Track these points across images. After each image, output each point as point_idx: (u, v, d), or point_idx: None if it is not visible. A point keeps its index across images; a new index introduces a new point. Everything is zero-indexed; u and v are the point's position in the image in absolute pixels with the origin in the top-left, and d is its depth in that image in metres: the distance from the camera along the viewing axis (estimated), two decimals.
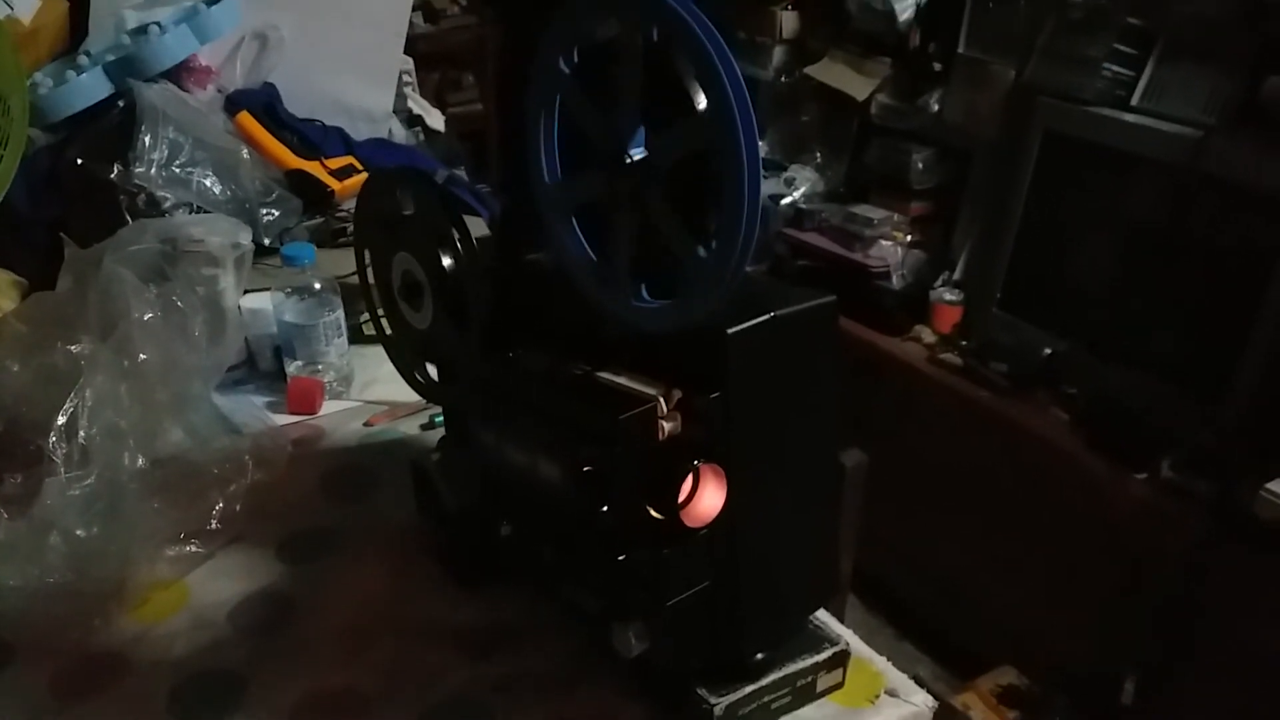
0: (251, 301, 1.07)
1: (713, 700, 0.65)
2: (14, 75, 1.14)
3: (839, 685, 0.70)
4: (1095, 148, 1.79)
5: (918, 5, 2.11)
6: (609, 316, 0.60)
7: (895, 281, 2.19)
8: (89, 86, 1.23)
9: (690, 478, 0.58)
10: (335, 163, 1.35)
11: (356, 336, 1.10)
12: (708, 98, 0.51)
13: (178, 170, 1.16)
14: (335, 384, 1.08)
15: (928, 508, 2.07)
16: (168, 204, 1.15)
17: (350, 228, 1.28)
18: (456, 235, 0.72)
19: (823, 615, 0.72)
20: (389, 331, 0.84)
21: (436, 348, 0.78)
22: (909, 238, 2.21)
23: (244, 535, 0.85)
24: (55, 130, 1.24)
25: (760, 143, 0.51)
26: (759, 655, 0.66)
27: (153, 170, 1.13)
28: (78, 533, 0.77)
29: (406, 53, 1.60)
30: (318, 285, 1.05)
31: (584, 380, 0.63)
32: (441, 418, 1.01)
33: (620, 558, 0.61)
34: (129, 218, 1.11)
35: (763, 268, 2.30)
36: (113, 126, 1.18)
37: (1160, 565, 1.61)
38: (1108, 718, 1.70)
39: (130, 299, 0.89)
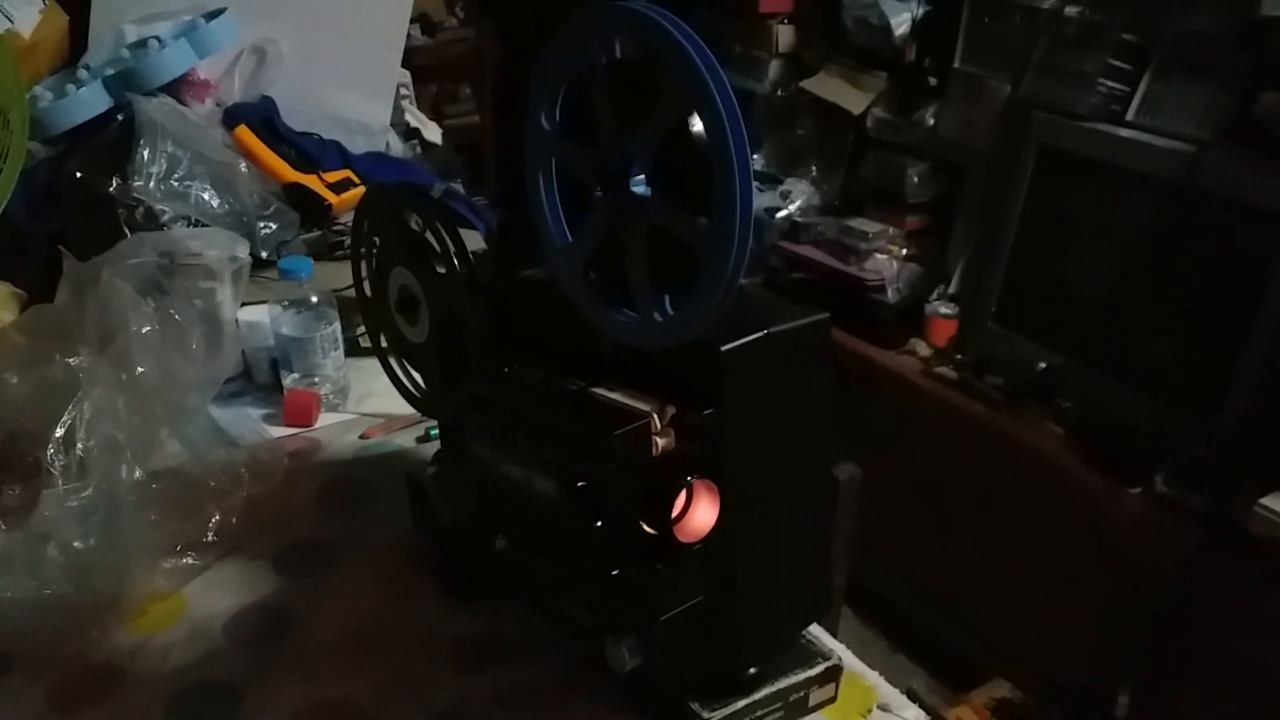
0: (249, 314, 1.08)
1: (705, 715, 0.65)
2: (14, 88, 1.14)
3: (831, 700, 0.71)
4: (1090, 163, 1.81)
5: (913, 20, 2.13)
6: (604, 333, 0.60)
7: (890, 295, 2.20)
8: (88, 100, 1.23)
9: (684, 493, 0.59)
10: (333, 176, 1.35)
11: (353, 349, 1.11)
12: (674, 75, 0.52)
13: (176, 184, 1.17)
14: (331, 396, 1.08)
15: (922, 521, 2.07)
16: (166, 217, 1.15)
17: (347, 241, 1.29)
18: (453, 250, 0.72)
19: (816, 629, 0.72)
20: (385, 345, 0.85)
21: (432, 362, 0.79)
22: (904, 251, 2.22)
23: (240, 547, 0.86)
24: (54, 143, 1.25)
25: (755, 155, 0.52)
26: (752, 670, 0.67)
27: (151, 184, 1.14)
28: (75, 544, 0.77)
29: (404, 65, 1.60)
30: (315, 298, 1.05)
31: (579, 395, 0.64)
32: (437, 431, 1.02)
33: (614, 572, 0.61)
34: (127, 231, 1.12)
35: (758, 280, 2.31)
36: (112, 140, 1.19)
37: (1154, 579, 1.62)
38: None
39: (128, 312, 0.89)
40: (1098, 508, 1.70)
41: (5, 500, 0.83)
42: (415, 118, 1.72)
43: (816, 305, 0.64)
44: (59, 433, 0.81)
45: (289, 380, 1.07)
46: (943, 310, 2.12)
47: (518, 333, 0.71)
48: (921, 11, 2.11)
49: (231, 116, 1.34)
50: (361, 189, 1.35)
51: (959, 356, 2.05)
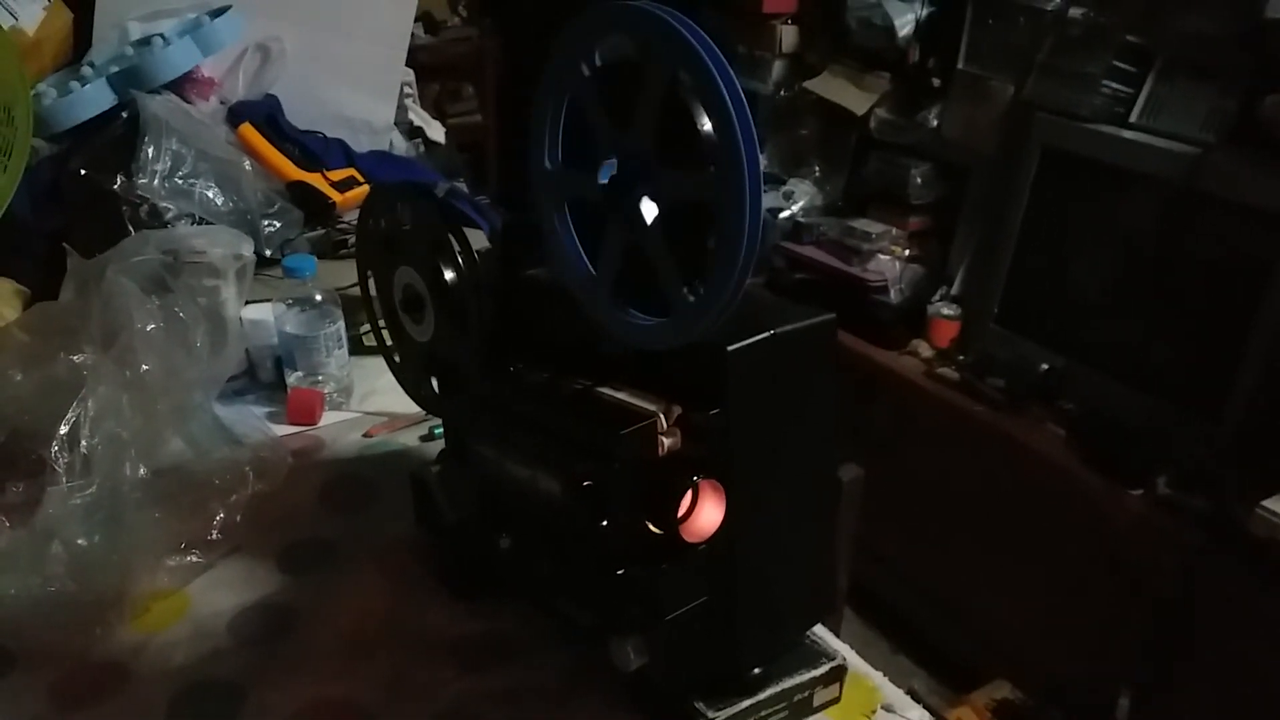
0: (252, 312, 1.08)
1: (710, 715, 0.65)
2: (18, 85, 1.14)
3: (835, 700, 0.71)
4: (1093, 164, 1.81)
5: (917, 21, 2.13)
6: (608, 333, 0.60)
7: (893, 296, 2.20)
8: (93, 97, 1.23)
9: (689, 493, 0.59)
10: (337, 175, 1.35)
11: (356, 348, 1.11)
12: (719, 172, 0.52)
13: (180, 181, 1.17)
14: (335, 395, 1.08)
15: (923, 522, 2.08)
16: (170, 215, 1.15)
17: (351, 240, 1.29)
18: (457, 249, 0.72)
19: (820, 630, 0.72)
20: (390, 344, 0.85)
21: (437, 361, 0.79)
22: (907, 252, 2.23)
23: (244, 545, 0.86)
24: (59, 140, 1.25)
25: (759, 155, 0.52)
26: (756, 670, 0.67)
27: (156, 181, 1.14)
28: (79, 542, 0.77)
29: (407, 64, 1.60)
30: (319, 297, 1.05)
31: (584, 395, 0.64)
32: (441, 430, 1.02)
33: (619, 572, 0.61)
34: (131, 228, 1.12)
35: (760, 281, 2.31)
36: (116, 137, 1.19)
37: (1155, 580, 1.62)
38: None
39: (133, 309, 0.89)
40: (1099, 509, 1.70)
41: (9, 498, 0.82)
42: (419, 116, 1.72)
43: (819, 306, 0.64)
44: (63, 430, 0.81)
45: (293, 378, 1.07)
46: (945, 311, 2.12)
47: (522, 332, 0.71)
48: (925, 12, 2.11)
49: (235, 114, 1.34)
50: (365, 188, 1.35)
51: (961, 358, 2.05)
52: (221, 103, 1.36)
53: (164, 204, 1.15)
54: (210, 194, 1.19)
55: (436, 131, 1.75)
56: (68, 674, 0.74)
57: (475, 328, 0.72)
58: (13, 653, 0.75)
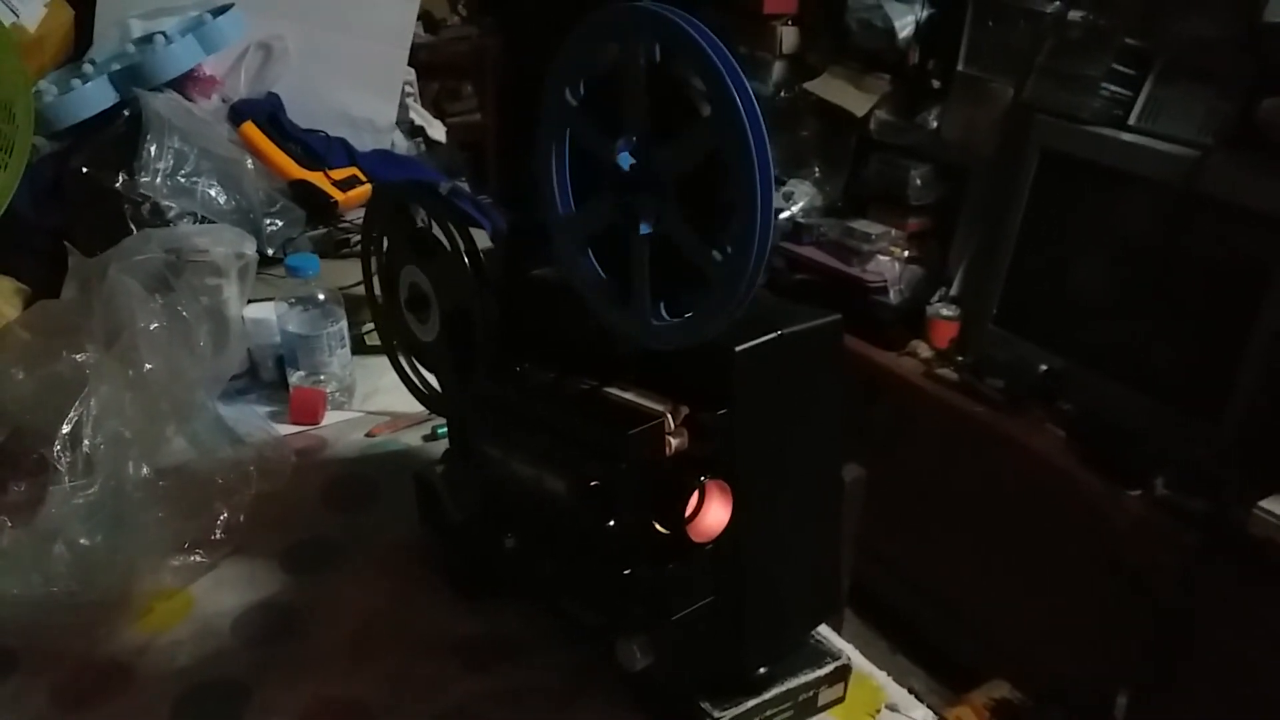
0: (254, 311, 1.08)
1: (715, 714, 0.65)
2: (19, 82, 1.14)
3: (840, 700, 0.71)
4: (1092, 166, 1.81)
5: (917, 22, 2.13)
6: (620, 334, 0.60)
7: (892, 296, 2.20)
8: (94, 95, 1.23)
9: (696, 493, 0.59)
10: (339, 174, 1.35)
11: (359, 347, 1.11)
12: (715, 111, 0.52)
13: (183, 180, 1.17)
14: (338, 394, 1.08)
15: (922, 521, 2.08)
16: (172, 213, 1.15)
17: (354, 239, 1.29)
18: (464, 248, 0.72)
19: (823, 629, 0.72)
20: (394, 343, 0.84)
21: (442, 360, 0.79)
22: (906, 253, 2.23)
23: (247, 545, 0.85)
24: (59, 138, 1.24)
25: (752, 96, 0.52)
26: (762, 669, 0.67)
27: (158, 180, 1.14)
28: (82, 542, 0.77)
29: (407, 63, 1.60)
30: (321, 296, 1.05)
31: (591, 395, 0.64)
32: (444, 429, 1.02)
33: (626, 572, 0.61)
34: (133, 227, 1.12)
35: (761, 282, 2.31)
36: (118, 135, 1.19)
37: (1154, 581, 1.62)
38: None
39: (136, 308, 0.89)
40: (1098, 509, 1.71)
41: (11, 497, 0.82)
42: (420, 115, 1.72)
43: (818, 306, 0.64)
44: (65, 429, 0.80)
45: (295, 378, 1.06)
46: (944, 312, 2.12)
47: (528, 332, 0.71)
48: (925, 14, 2.12)
49: (237, 113, 1.34)
50: (367, 187, 1.34)
51: (960, 358, 2.05)
52: (223, 101, 1.36)
53: (166, 202, 1.15)
54: (212, 192, 1.19)
55: (437, 131, 1.75)
56: (71, 675, 0.74)
57: (481, 327, 0.72)
58: (15, 653, 0.75)
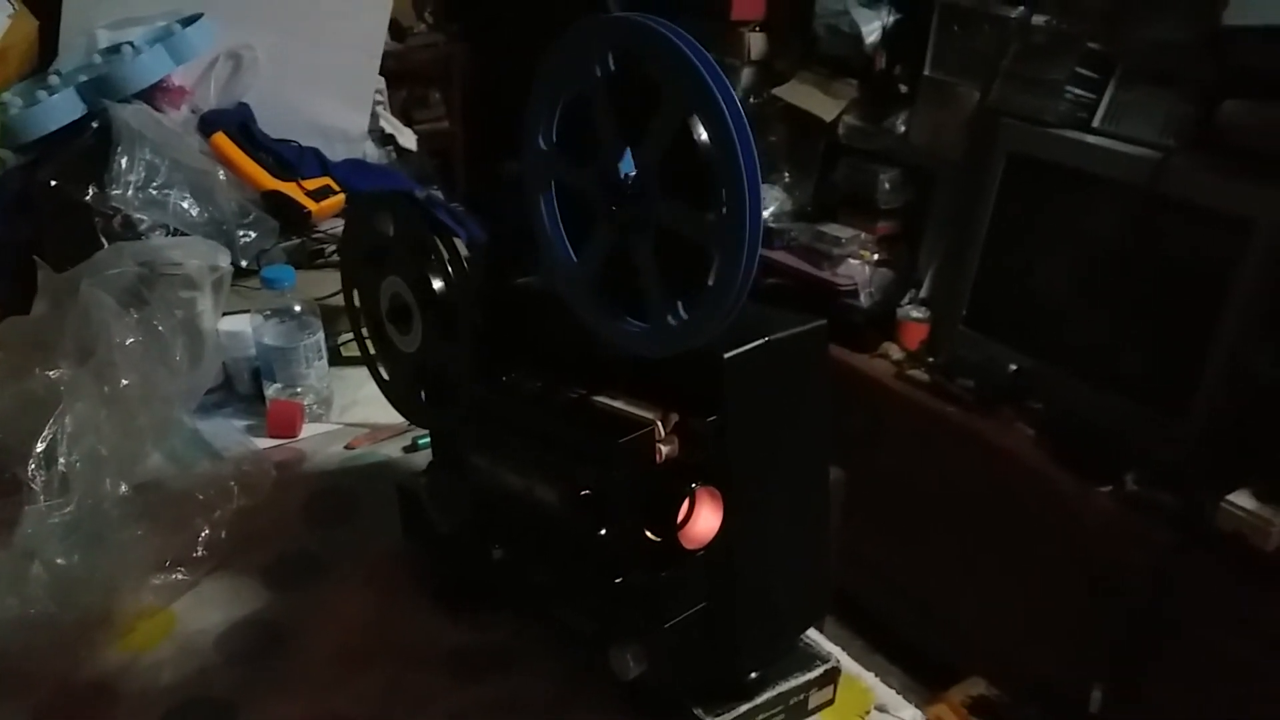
0: (229, 324, 1.06)
1: None
2: None
3: (830, 702, 0.71)
4: (1058, 168, 1.84)
5: (884, 28, 2.16)
6: (611, 343, 0.60)
7: (863, 299, 2.22)
8: (61, 107, 1.21)
9: (687, 500, 0.59)
10: (312, 184, 1.34)
11: (336, 359, 1.10)
12: (704, 125, 0.52)
13: (154, 192, 1.15)
14: (315, 407, 1.07)
15: (897, 521, 2.10)
16: (144, 226, 1.14)
17: (328, 249, 1.28)
18: (446, 257, 0.72)
19: (811, 633, 0.73)
20: (375, 355, 0.84)
21: (426, 371, 0.79)
22: (876, 256, 2.25)
23: (229, 561, 0.84)
24: (26, 151, 1.22)
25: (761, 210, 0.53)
26: (753, 674, 0.67)
27: (129, 192, 1.12)
28: (59, 561, 0.76)
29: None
30: (298, 308, 1.04)
31: (580, 404, 0.64)
32: (425, 440, 1.01)
33: (618, 580, 0.61)
34: (105, 240, 1.10)
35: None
36: (87, 148, 1.17)
37: (1126, 576, 1.65)
38: None
39: (110, 323, 0.88)
40: (1069, 506, 1.73)
41: None
42: (390, 124, 1.71)
43: (790, 310, 0.65)
44: (40, 448, 0.79)
45: (271, 390, 1.05)
46: (914, 314, 2.15)
47: (515, 341, 0.70)
48: (891, 20, 2.14)
49: (207, 123, 1.33)
50: (341, 197, 1.34)
51: (931, 359, 2.07)
52: (193, 111, 1.35)
53: (138, 215, 1.13)
54: (184, 204, 1.18)
55: (408, 139, 1.74)
56: (52, 697, 0.72)
57: (465, 337, 0.72)
58: None
